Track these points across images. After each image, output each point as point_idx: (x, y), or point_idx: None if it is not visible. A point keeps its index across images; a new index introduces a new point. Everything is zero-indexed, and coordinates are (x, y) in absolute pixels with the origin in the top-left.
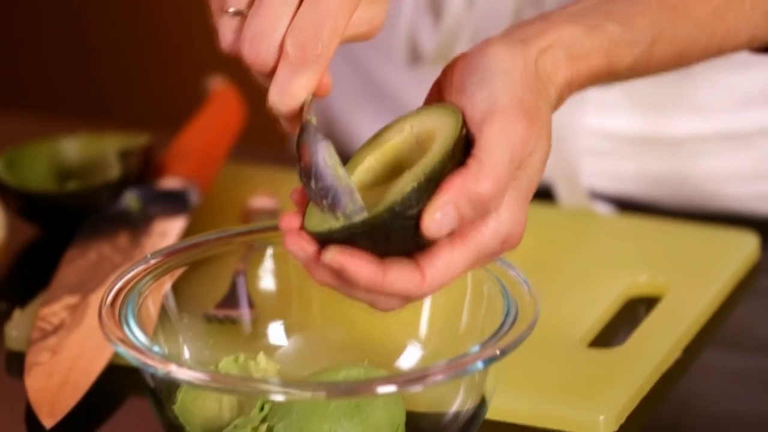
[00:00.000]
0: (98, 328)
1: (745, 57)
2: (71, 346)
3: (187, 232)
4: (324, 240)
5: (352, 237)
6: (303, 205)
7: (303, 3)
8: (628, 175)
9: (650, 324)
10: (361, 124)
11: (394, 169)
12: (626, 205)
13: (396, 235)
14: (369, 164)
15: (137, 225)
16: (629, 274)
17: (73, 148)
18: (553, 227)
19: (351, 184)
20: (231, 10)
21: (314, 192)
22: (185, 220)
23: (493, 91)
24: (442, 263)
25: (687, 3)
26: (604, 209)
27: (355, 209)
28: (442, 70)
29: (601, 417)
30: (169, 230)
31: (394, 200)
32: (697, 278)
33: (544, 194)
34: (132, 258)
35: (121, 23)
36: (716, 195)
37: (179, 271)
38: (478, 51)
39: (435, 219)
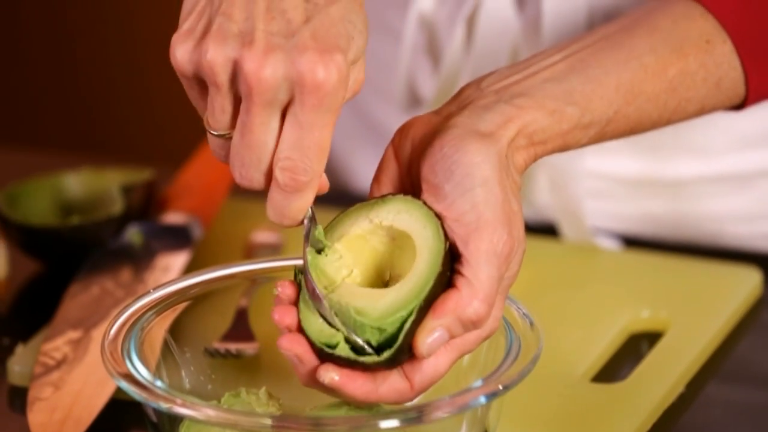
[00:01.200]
0: (101, 363)
1: None
2: (74, 381)
3: (190, 267)
4: (323, 353)
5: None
6: (293, 298)
7: (285, 123)
8: (630, 216)
9: (653, 359)
10: (360, 165)
11: (375, 268)
12: (629, 242)
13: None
14: (341, 252)
15: (140, 260)
16: (632, 309)
17: (75, 183)
18: (557, 262)
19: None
20: (214, 133)
21: (327, 312)
22: (188, 255)
23: (475, 204)
24: (428, 369)
25: (643, 79)
26: (609, 244)
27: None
28: (396, 134)
29: None
30: (172, 265)
31: (403, 341)
32: (699, 313)
33: (548, 231)
34: (135, 293)
35: (123, 58)
36: (718, 234)
37: (182, 306)
38: (450, 151)
39: (427, 343)
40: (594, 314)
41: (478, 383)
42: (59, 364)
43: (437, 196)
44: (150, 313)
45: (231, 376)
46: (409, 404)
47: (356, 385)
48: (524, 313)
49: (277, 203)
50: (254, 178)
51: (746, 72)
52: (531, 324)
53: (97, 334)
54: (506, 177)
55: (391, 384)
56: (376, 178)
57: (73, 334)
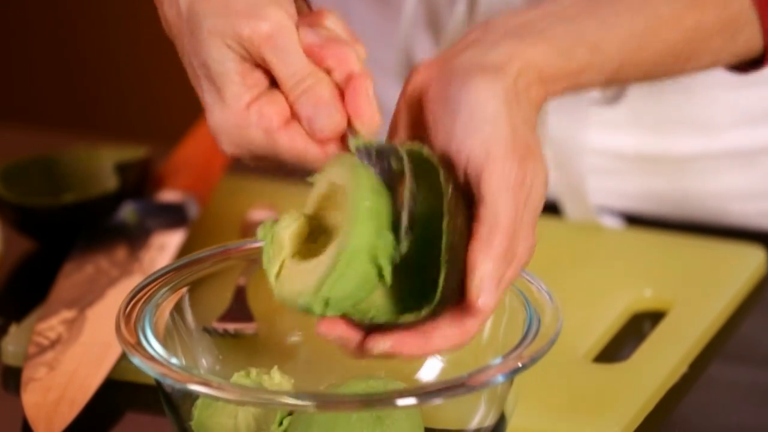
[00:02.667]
0: (95, 343)
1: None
2: (68, 361)
3: (186, 245)
4: (364, 324)
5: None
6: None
7: None
8: (633, 193)
9: (656, 339)
10: None
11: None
12: (632, 220)
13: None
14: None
15: (135, 238)
16: (634, 288)
17: (69, 161)
18: (559, 241)
19: None
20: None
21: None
22: (184, 233)
23: (483, 142)
24: (477, 312)
25: (657, 29)
26: (611, 222)
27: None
28: (405, 82)
29: None
30: (168, 243)
31: (440, 296)
32: (703, 292)
33: (551, 209)
34: (130, 272)
35: (117, 34)
36: (721, 212)
37: (195, 284)
38: (456, 88)
39: (481, 299)
40: (596, 293)
41: (497, 361)
42: (53, 344)
43: (446, 138)
44: (164, 290)
45: (229, 355)
46: (426, 382)
47: (408, 346)
48: (544, 290)
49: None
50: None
51: (764, 26)
52: (551, 300)
53: (92, 313)
54: (517, 110)
55: (442, 333)
56: (392, 131)
57: (68, 314)
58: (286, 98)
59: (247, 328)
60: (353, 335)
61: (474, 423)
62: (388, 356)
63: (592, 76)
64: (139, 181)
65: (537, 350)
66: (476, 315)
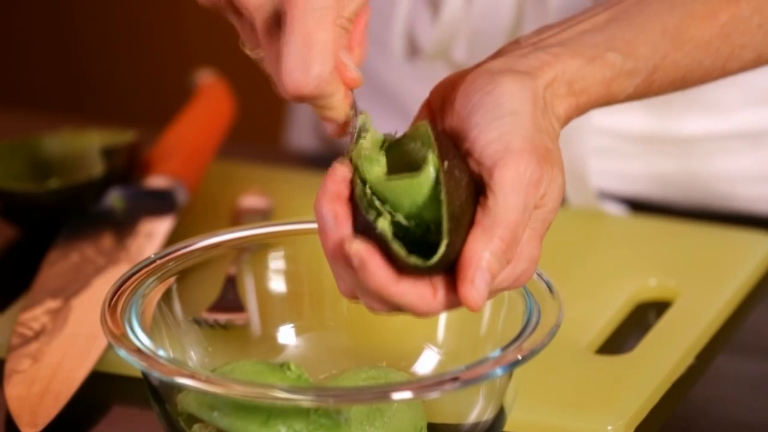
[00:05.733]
0: (81, 334)
1: None
2: (53, 352)
3: (175, 233)
4: (361, 224)
5: (383, 240)
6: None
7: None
8: (637, 176)
9: (661, 330)
10: None
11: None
12: (636, 206)
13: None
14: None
15: (122, 225)
16: (639, 277)
17: (54, 145)
18: (561, 228)
19: None
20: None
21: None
22: (172, 221)
23: (503, 134)
24: (460, 294)
25: (691, 25)
26: (614, 209)
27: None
28: (434, 88)
29: (609, 427)
30: (156, 231)
31: (438, 262)
32: (709, 282)
33: None
34: (116, 260)
35: (104, 15)
36: (729, 196)
37: (184, 274)
38: (483, 82)
39: (473, 294)
40: (599, 283)
41: (496, 353)
42: (37, 334)
43: (465, 128)
44: (151, 279)
45: (219, 348)
46: (422, 375)
47: (379, 265)
48: (544, 280)
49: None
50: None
51: None
52: (551, 291)
53: (77, 303)
54: (541, 117)
55: (414, 283)
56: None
57: (52, 304)
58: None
59: (237, 319)
60: (343, 229)
61: (472, 417)
62: (351, 271)
63: (625, 82)
64: (126, 166)
65: (537, 342)
66: (456, 300)
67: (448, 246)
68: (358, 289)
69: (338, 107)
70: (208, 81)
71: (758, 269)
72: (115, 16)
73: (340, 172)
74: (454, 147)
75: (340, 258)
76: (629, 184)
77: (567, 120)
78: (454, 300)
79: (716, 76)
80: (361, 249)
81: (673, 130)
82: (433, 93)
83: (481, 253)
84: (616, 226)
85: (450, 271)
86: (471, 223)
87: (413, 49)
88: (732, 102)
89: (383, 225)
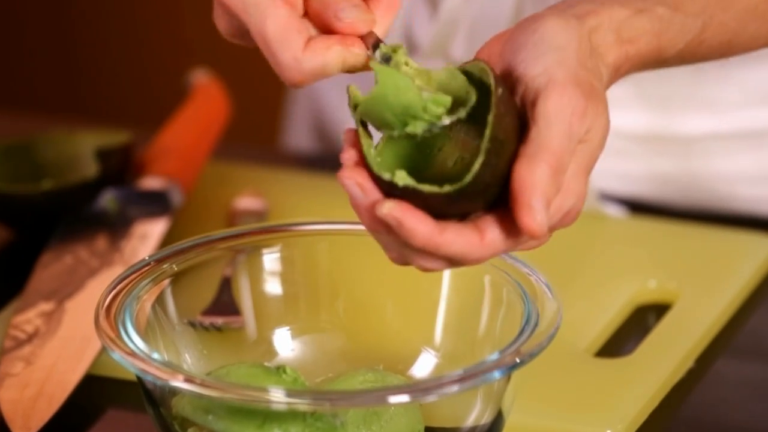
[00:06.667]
0: (74, 337)
1: (760, 51)
2: (46, 355)
3: (169, 235)
4: (384, 187)
5: (417, 195)
6: (356, 146)
7: None
8: (637, 176)
9: (660, 332)
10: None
11: None
12: (636, 207)
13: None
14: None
15: (116, 227)
16: (638, 279)
17: (48, 145)
18: (561, 230)
19: None
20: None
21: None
22: (167, 222)
23: (547, 67)
24: (505, 227)
25: None
26: (614, 211)
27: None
28: (480, 49)
29: (609, 431)
30: (150, 232)
31: (471, 180)
32: (709, 284)
33: None
34: (110, 262)
35: (99, 16)
36: (729, 196)
37: (179, 276)
38: (527, 25)
39: (536, 220)
40: (598, 285)
41: (494, 356)
42: (31, 337)
43: (511, 66)
44: (145, 282)
45: (214, 350)
46: (419, 379)
47: (417, 219)
48: (543, 282)
49: None
50: None
51: None
52: (550, 294)
53: (71, 305)
54: (588, 57)
55: (458, 231)
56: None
57: (46, 306)
58: None
59: (232, 321)
60: (372, 191)
61: (470, 420)
62: (393, 235)
63: (676, 37)
64: (120, 168)
65: (535, 345)
66: (501, 228)
67: (483, 165)
68: (406, 252)
69: (355, 62)
70: (203, 81)
71: (759, 271)
72: (111, 16)
73: (348, 136)
74: (507, 87)
75: (378, 224)
76: (629, 184)
77: (617, 71)
78: (504, 240)
79: (761, 44)
80: (393, 208)
81: (674, 129)
82: (479, 53)
83: (531, 177)
84: (615, 228)
85: (492, 210)
86: (512, 158)
87: (411, 47)
88: (733, 101)
89: (402, 177)
